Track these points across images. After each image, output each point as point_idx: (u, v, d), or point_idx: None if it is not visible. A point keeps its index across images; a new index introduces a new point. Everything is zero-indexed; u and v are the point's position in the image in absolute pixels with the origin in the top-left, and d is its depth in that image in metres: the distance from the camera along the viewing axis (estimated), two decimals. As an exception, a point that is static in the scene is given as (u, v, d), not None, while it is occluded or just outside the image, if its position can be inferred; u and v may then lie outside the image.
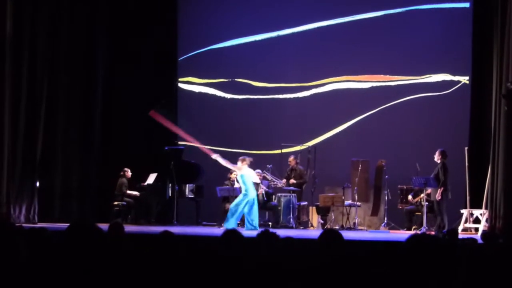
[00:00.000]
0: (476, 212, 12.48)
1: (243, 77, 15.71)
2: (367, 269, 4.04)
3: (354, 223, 13.40)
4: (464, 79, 14.25)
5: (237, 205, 12.31)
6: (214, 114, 15.75)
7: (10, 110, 12.56)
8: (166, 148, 14.51)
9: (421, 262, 3.43)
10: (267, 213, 14.17)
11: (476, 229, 12.17)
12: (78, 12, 14.40)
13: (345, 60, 15.08)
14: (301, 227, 13.58)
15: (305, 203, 13.99)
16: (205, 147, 13.50)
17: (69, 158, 14.33)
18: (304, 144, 14.71)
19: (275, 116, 15.41)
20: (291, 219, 13.36)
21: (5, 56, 12.43)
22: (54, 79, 13.84)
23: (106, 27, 15.13)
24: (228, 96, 15.82)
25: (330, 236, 4.41)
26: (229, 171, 13.60)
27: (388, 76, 14.83)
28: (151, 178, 14.39)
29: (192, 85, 16.02)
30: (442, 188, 11.97)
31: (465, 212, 12.64)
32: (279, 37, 15.52)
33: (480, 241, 7.01)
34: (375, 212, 13.98)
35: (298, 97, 15.41)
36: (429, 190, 12.55)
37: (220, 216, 13.48)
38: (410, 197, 13.28)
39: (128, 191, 14.10)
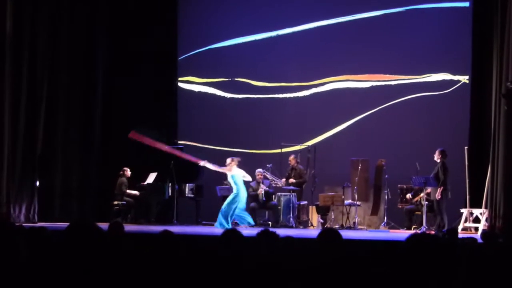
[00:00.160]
0: (476, 212, 12.49)
1: (243, 77, 15.72)
2: (367, 268, 4.04)
3: (354, 223, 13.40)
4: (464, 79, 14.25)
5: (229, 204, 12.45)
6: (214, 114, 15.76)
7: (10, 110, 12.56)
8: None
9: (421, 261, 3.43)
10: (267, 212, 14.18)
11: (476, 229, 12.17)
12: (78, 12, 14.41)
13: (345, 60, 15.09)
14: (301, 227, 13.58)
15: (305, 202, 13.99)
16: (191, 157, 13.48)
17: (69, 158, 14.34)
18: (304, 144, 14.71)
19: (275, 116, 15.42)
20: (291, 219, 13.37)
21: (5, 56, 12.43)
22: (54, 79, 13.84)
23: (106, 27, 15.13)
24: (228, 95, 15.82)
25: (328, 235, 4.42)
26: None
27: (388, 75, 14.83)
28: (151, 178, 14.40)
29: (192, 84, 16.03)
30: (442, 188, 11.98)
31: (465, 211, 12.65)
32: (279, 36, 15.52)
33: (480, 240, 7.01)
34: (375, 211, 13.99)
35: (298, 97, 15.41)
36: (429, 190, 12.55)
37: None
38: (408, 195, 13.26)
39: (128, 191, 14.10)
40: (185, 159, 13.45)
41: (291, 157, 14.06)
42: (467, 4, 14.20)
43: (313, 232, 12.26)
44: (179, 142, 15.50)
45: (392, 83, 14.80)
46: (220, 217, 12.45)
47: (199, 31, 15.87)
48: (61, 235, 3.97)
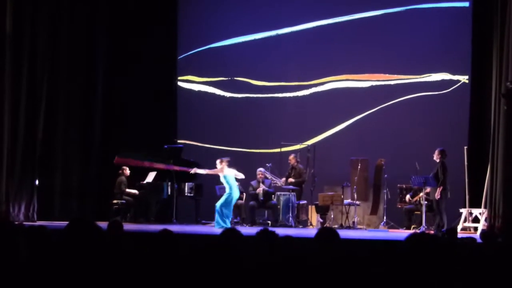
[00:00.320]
0: (475, 211, 12.49)
1: (242, 76, 15.73)
2: (366, 268, 4.05)
3: (353, 222, 13.41)
4: (464, 78, 14.25)
5: (226, 206, 12.53)
6: (213, 113, 15.76)
7: (10, 110, 12.55)
8: (166, 146, 14.50)
9: (420, 261, 3.43)
10: (266, 211, 14.19)
11: (475, 228, 12.18)
12: (78, 12, 14.40)
13: (344, 59, 15.09)
14: (300, 226, 13.58)
15: (305, 202, 13.99)
16: (180, 168, 13.67)
17: (69, 158, 14.33)
18: (304, 143, 14.71)
19: (274, 115, 15.42)
20: (290, 218, 13.37)
21: (5, 56, 12.42)
22: (54, 79, 13.83)
23: (106, 27, 15.13)
24: (228, 94, 15.83)
25: (326, 234, 4.42)
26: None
27: (387, 75, 14.84)
28: (150, 177, 14.40)
29: (191, 83, 16.03)
30: (441, 187, 11.97)
31: (464, 211, 12.65)
32: (278, 36, 15.53)
33: (479, 240, 7.01)
34: (374, 211, 14.00)
35: (297, 96, 15.42)
36: (428, 189, 12.55)
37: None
38: (408, 197, 13.26)
39: (127, 190, 14.10)
40: (177, 170, 13.74)
41: (291, 157, 14.06)
42: (467, 4, 14.21)
43: (312, 231, 12.24)
44: (179, 141, 15.50)
45: (392, 83, 14.81)
46: (217, 218, 12.45)
47: (199, 31, 15.88)
48: (60, 234, 3.97)
